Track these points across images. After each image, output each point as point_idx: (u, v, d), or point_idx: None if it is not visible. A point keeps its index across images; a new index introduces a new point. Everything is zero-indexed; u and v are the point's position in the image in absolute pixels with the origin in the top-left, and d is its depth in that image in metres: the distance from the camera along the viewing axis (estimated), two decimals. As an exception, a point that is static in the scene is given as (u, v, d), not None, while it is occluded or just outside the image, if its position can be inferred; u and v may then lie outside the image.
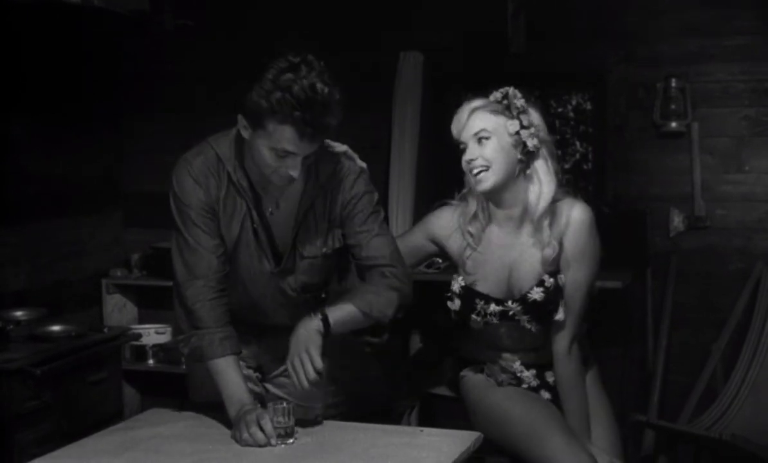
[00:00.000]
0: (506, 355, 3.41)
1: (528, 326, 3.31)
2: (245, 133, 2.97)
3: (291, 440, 2.90)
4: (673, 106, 4.83)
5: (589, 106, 5.05)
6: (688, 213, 4.85)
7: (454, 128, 3.30)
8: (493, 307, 3.30)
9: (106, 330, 4.81)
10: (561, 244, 3.26)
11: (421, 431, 3.08)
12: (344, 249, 3.19)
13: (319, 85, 2.91)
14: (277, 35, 5.35)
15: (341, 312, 3.08)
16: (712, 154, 4.83)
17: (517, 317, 3.30)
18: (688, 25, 4.83)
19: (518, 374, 3.39)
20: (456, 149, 3.32)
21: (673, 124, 4.84)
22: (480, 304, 3.31)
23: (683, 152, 4.86)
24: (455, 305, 3.36)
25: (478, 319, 3.33)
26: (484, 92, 3.32)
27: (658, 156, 4.91)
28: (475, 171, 3.24)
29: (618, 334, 4.78)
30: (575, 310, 3.30)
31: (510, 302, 3.29)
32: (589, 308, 3.38)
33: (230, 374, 3.00)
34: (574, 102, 5.12)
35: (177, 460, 2.77)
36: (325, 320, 3.02)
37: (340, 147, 3.21)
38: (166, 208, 5.69)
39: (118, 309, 5.54)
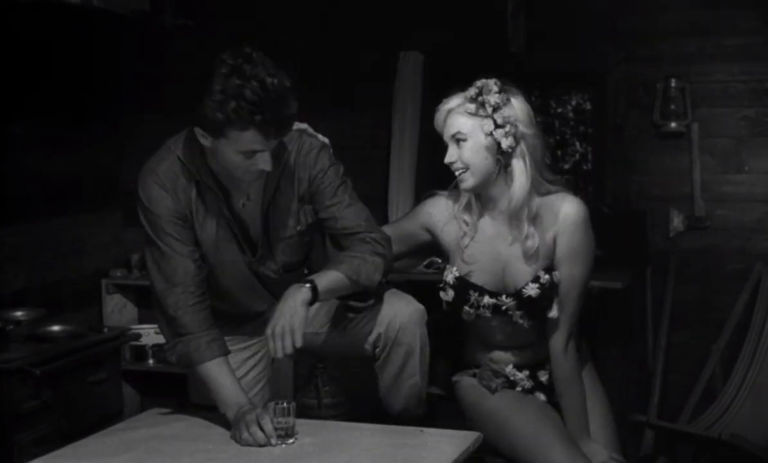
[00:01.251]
0: (498, 354, 3.39)
1: (521, 321, 3.29)
2: (206, 142, 2.94)
3: (291, 440, 2.90)
4: (672, 107, 4.83)
5: (588, 106, 5.06)
6: (687, 213, 4.85)
7: (436, 126, 3.31)
8: (486, 299, 3.28)
9: (105, 330, 4.81)
10: (554, 240, 3.24)
11: (421, 431, 3.08)
12: (316, 224, 3.19)
13: (268, 80, 2.89)
14: (277, 34, 5.35)
15: (328, 279, 3.05)
16: (712, 154, 4.83)
17: (510, 312, 3.28)
18: (688, 25, 4.83)
19: (511, 378, 3.37)
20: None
21: (673, 125, 4.85)
22: (474, 295, 3.29)
23: (683, 152, 4.86)
24: (448, 295, 3.33)
25: (471, 311, 3.31)
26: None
27: (658, 156, 4.91)
28: (456, 173, 3.24)
29: (618, 334, 4.78)
30: (571, 308, 3.28)
31: (504, 297, 3.27)
32: (585, 306, 3.35)
33: (222, 378, 2.99)
34: (573, 102, 5.13)
35: (176, 460, 2.78)
36: (313, 288, 2.99)
37: (299, 125, 3.20)
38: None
39: (117, 309, 5.53)
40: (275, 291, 3.16)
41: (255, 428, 2.85)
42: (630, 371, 4.75)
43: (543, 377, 3.38)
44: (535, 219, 3.22)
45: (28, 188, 4.96)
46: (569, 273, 3.26)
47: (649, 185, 4.92)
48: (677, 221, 4.86)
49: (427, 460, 2.78)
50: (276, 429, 2.88)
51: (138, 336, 5.24)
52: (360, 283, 3.09)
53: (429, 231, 3.43)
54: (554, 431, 3.23)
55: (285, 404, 2.92)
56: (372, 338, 3.18)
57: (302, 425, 3.00)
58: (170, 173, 3.07)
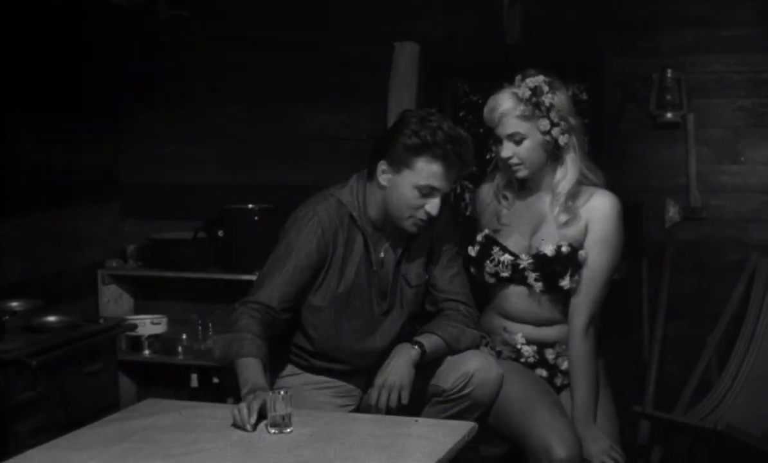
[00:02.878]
0: (510, 325, 3.51)
1: (536, 286, 3.42)
2: (385, 179, 3.22)
3: (288, 430, 2.91)
4: (669, 97, 4.83)
5: (585, 97, 5.06)
6: (683, 204, 4.85)
7: (487, 121, 3.47)
8: (507, 257, 3.44)
9: (101, 321, 4.82)
10: (586, 227, 3.44)
11: (416, 421, 3.10)
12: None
13: (457, 128, 3.23)
14: (272, 26, 5.35)
15: (433, 343, 3.32)
16: (708, 145, 4.83)
17: (526, 273, 3.42)
18: (684, 16, 4.82)
19: (518, 346, 3.48)
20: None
21: (669, 115, 4.84)
22: (495, 250, 3.46)
23: (679, 143, 4.86)
24: (474, 250, 3.52)
25: (491, 267, 3.46)
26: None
27: (654, 147, 4.91)
28: (513, 168, 3.45)
29: (614, 325, 4.77)
30: (595, 294, 3.45)
31: (523, 255, 3.43)
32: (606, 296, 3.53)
33: (252, 365, 3.08)
34: (570, 93, 5.12)
35: (172, 450, 2.78)
36: (422, 350, 3.26)
37: None
38: (163, 199, 5.72)
39: (113, 300, 5.53)
40: (387, 351, 3.35)
41: (243, 406, 2.90)
42: (626, 361, 4.75)
43: (550, 355, 3.50)
44: (574, 197, 3.43)
45: (24, 180, 4.96)
46: (597, 259, 3.44)
47: (645, 176, 4.92)
48: (673, 212, 4.86)
49: (423, 450, 2.78)
50: (272, 417, 2.89)
51: (134, 327, 5.25)
52: (456, 349, 3.36)
53: (480, 217, 3.64)
54: (543, 397, 3.38)
55: (282, 393, 2.92)
56: (450, 378, 3.34)
57: (300, 415, 3.00)
58: (333, 214, 3.27)
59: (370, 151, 3.35)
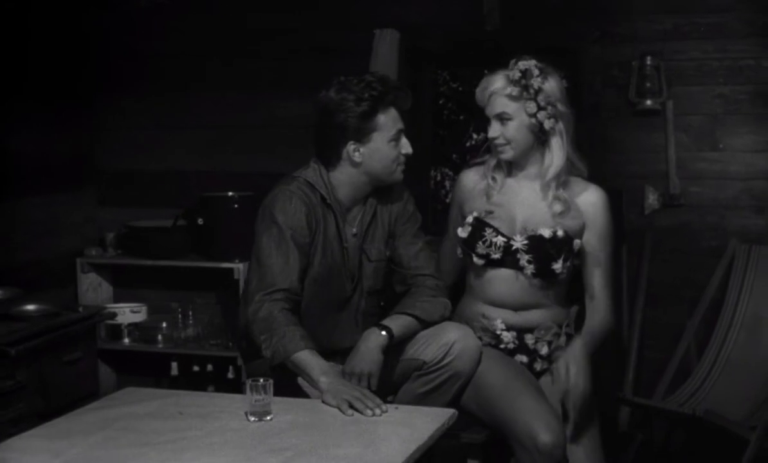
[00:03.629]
0: (489, 311, 3.53)
1: (527, 268, 3.46)
2: (358, 155, 3.37)
3: (268, 418, 2.91)
4: (648, 85, 4.84)
5: (564, 85, 5.04)
6: (662, 191, 4.87)
7: (478, 101, 3.58)
8: (500, 238, 3.48)
9: (81, 309, 4.80)
10: (582, 225, 3.54)
11: (396, 408, 3.09)
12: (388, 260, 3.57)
13: (368, 77, 3.42)
14: (250, 12, 5.33)
15: (401, 324, 3.37)
16: (687, 132, 4.84)
17: (518, 255, 3.46)
18: (663, 3, 4.83)
19: (498, 332, 3.49)
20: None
21: (648, 103, 4.85)
22: (488, 232, 3.50)
23: (658, 130, 4.87)
24: (465, 231, 3.55)
25: (483, 249, 3.49)
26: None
27: (634, 134, 4.92)
28: (498, 148, 3.53)
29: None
30: (604, 283, 3.59)
31: (517, 236, 3.48)
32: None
33: (315, 358, 3.18)
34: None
35: (152, 439, 2.78)
36: (389, 334, 3.30)
37: None
38: (141, 187, 5.68)
39: (93, 288, 5.51)
40: (355, 333, 3.43)
41: (357, 395, 3.03)
42: (605, 347, 4.76)
43: (530, 341, 3.51)
44: (564, 186, 3.52)
45: (1, 167, 4.92)
46: (604, 252, 3.58)
47: (624, 163, 4.93)
48: (652, 199, 4.87)
49: (402, 436, 2.79)
50: (253, 406, 2.89)
51: (113, 315, 5.23)
52: (427, 322, 3.43)
53: (462, 204, 3.67)
54: (524, 383, 3.39)
55: (262, 381, 2.92)
56: (429, 351, 3.37)
57: (281, 402, 3.01)
58: (303, 190, 3.39)
59: (316, 142, 3.48)
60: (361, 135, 3.36)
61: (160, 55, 5.51)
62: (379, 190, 3.50)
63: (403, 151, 3.42)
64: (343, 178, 3.43)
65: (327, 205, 3.41)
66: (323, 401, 3.07)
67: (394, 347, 3.35)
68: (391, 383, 3.43)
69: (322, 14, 5.23)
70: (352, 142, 3.37)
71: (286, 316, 3.23)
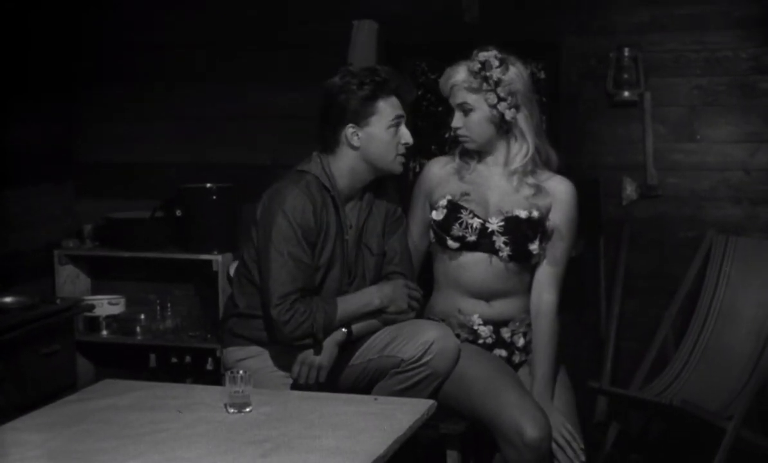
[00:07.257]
0: (467, 304, 3.53)
1: (504, 250, 3.46)
2: (356, 139, 3.40)
3: (248, 409, 2.91)
4: (625, 76, 4.85)
5: (542, 76, 5.05)
6: (640, 182, 4.88)
7: (442, 91, 3.62)
8: (476, 221, 3.48)
9: (58, 301, 4.78)
10: (548, 211, 3.53)
11: (375, 399, 3.11)
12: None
13: (376, 66, 3.57)
14: (229, 4, 5.31)
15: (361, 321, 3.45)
16: (665, 123, 4.86)
17: (494, 237, 3.46)
18: (641, -6, 4.85)
19: (475, 327, 3.49)
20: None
21: (626, 94, 4.86)
22: (465, 214, 3.50)
23: (636, 122, 4.88)
24: (440, 214, 3.54)
25: (458, 231, 3.48)
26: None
27: (611, 125, 4.93)
28: (461, 138, 3.57)
29: (571, 301, 4.79)
30: (560, 272, 3.56)
31: (492, 218, 3.49)
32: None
33: (350, 298, 3.43)
34: (529, 72, 5.12)
35: (130, 431, 2.77)
36: (348, 329, 3.40)
37: None
38: (119, 178, 5.65)
39: (70, 280, 5.48)
40: None
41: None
42: (583, 338, 4.78)
43: (506, 334, 3.51)
44: (532, 175, 3.53)
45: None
46: (560, 244, 3.55)
47: (602, 154, 4.95)
48: (630, 190, 4.89)
49: (382, 428, 2.79)
50: (231, 397, 2.89)
51: (91, 307, 5.21)
52: (388, 311, 3.47)
53: (431, 192, 3.64)
54: (507, 378, 3.40)
55: (241, 373, 2.92)
56: (408, 349, 3.40)
57: (260, 394, 3.01)
58: (309, 187, 3.42)
59: (319, 128, 3.49)
60: (360, 118, 3.40)
61: (139, 47, 5.48)
62: (375, 185, 3.53)
63: (402, 140, 3.45)
64: (343, 166, 3.46)
65: (330, 196, 3.44)
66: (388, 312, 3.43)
67: (368, 345, 3.46)
68: (367, 379, 3.47)
69: (300, 6, 5.22)
70: (351, 125, 3.41)
71: (303, 302, 3.33)
